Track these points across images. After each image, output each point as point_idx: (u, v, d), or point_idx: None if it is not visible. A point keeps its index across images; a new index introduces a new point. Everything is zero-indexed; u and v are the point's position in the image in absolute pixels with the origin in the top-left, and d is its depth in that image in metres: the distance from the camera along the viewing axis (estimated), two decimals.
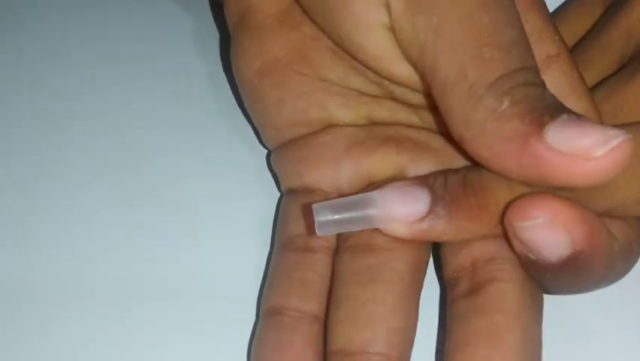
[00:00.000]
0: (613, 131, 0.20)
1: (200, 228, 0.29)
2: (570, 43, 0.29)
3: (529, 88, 0.21)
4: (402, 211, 0.23)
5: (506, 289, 0.23)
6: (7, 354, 0.26)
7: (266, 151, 0.30)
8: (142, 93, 0.33)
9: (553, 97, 0.22)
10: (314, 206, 0.24)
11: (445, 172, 0.24)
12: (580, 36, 0.29)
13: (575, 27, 0.29)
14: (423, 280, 0.25)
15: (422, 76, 0.24)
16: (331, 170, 0.27)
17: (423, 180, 0.24)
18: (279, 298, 0.25)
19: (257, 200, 0.29)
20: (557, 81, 0.24)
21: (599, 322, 0.26)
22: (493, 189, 0.22)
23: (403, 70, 0.25)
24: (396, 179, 0.25)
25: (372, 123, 0.27)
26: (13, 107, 0.32)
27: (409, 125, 0.27)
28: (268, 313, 0.25)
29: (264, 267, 0.27)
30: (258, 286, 0.27)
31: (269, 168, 0.30)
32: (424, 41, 0.23)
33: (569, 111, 0.21)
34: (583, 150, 0.20)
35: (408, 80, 0.25)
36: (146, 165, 0.30)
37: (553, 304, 0.24)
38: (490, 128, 0.21)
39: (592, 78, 0.27)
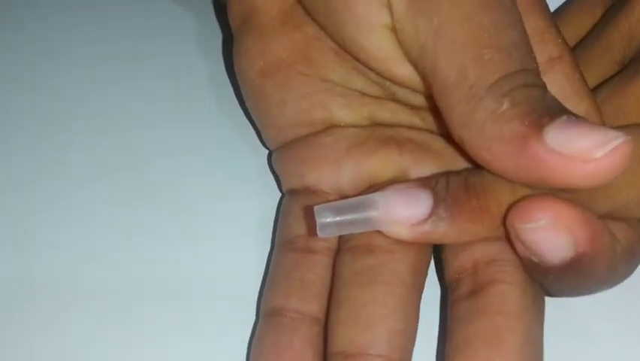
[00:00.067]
0: (612, 133, 0.20)
1: (201, 228, 0.29)
2: (570, 43, 0.28)
3: (529, 90, 0.21)
4: (404, 213, 0.23)
5: (508, 290, 0.23)
6: (7, 354, 0.26)
7: (267, 151, 0.30)
8: (143, 93, 0.33)
9: (554, 99, 0.21)
10: (316, 208, 0.24)
11: (447, 174, 0.24)
12: (580, 36, 0.29)
13: (576, 27, 0.29)
14: (424, 281, 0.25)
15: (423, 77, 0.24)
16: (333, 171, 0.27)
17: (425, 182, 0.23)
18: (279, 299, 0.25)
19: (258, 200, 0.29)
20: (559, 83, 0.24)
21: (600, 324, 0.26)
22: (495, 191, 0.22)
23: (404, 71, 0.25)
24: (397, 180, 0.25)
25: (374, 124, 0.27)
26: (13, 107, 0.32)
27: (411, 127, 0.27)
28: (268, 314, 0.25)
29: (264, 267, 0.27)
30: (258, 286, 0.27)
31: (270, 169, 0.30)
32: (425, 42, 0.23)
33: (569, 113, 0.21)
34: (582, 151, 0.20)
35: (409, 81, 0.25)
36: (146, 164, 0.30)
37: (554, 306, 0.24)
38: (490, 129, 0.21)
39: (593, 79, 0.27)
